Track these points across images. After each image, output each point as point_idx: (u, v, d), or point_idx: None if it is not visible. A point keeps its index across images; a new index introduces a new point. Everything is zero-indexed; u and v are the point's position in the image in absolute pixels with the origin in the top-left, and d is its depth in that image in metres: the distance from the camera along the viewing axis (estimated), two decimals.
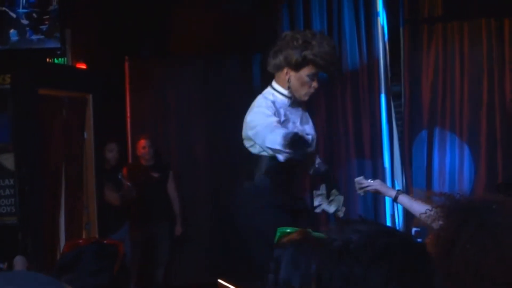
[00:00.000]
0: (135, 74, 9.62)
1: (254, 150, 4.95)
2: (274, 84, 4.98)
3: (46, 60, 7.51)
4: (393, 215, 7.92)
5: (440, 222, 2.28)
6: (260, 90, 9.24)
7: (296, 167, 5.07)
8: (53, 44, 7.16)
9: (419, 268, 1.74)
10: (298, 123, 5.05)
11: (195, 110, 9.79)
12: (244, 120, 5.03)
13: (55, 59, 7.61)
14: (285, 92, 4.93)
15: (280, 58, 4.90)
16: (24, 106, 7.02)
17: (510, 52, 7.54)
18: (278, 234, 2.78)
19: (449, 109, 7.78)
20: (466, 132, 7.69)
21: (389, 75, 8.02)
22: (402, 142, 7.99)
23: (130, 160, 9.38)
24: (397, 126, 8.06)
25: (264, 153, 4.91)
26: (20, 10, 7.00)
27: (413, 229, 7.18)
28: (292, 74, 4.89)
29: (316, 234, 2.66)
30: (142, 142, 8.96)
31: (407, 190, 7.85)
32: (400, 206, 7.76)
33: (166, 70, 9.78)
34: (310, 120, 5.24)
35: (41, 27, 7.05)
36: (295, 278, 2.42)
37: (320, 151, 7.47)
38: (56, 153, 7.36)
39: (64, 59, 7.66)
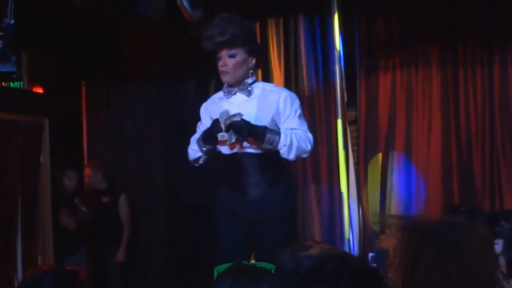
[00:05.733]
0: (91, 98, 9.58)
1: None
2: None
3: (1, 84, 7.44)
4: (349, 240, 7.94)
5: (400, 244, 2.29)
6: None
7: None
8: (9, 68, 7.09)
9: None
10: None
11: (152, 134, 9.76)
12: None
13: (11, 83, 7.54)
14: None
15: None
16: None
17: (464, 76, 7.62)
18: (215, 273, 2.75)
19: (405, 133, 7.83)
20: (422, 156, 7.74)
21: (346, 100, 8.07)
22: (358, 167, 8.03)
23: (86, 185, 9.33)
24: (353, 151, 8.10)
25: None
26: None
27: (370, 254, 7.22)
28: None
29: (260, 264, 2.64)
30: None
31: (363, 214, 7.90)
32: (355, 231, 7.82)
33: (122, 95, 9.76)
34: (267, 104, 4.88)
35: None
36: None
37: None
38: (12, 177, 7.30)
39: (20, 83, 7.60)
